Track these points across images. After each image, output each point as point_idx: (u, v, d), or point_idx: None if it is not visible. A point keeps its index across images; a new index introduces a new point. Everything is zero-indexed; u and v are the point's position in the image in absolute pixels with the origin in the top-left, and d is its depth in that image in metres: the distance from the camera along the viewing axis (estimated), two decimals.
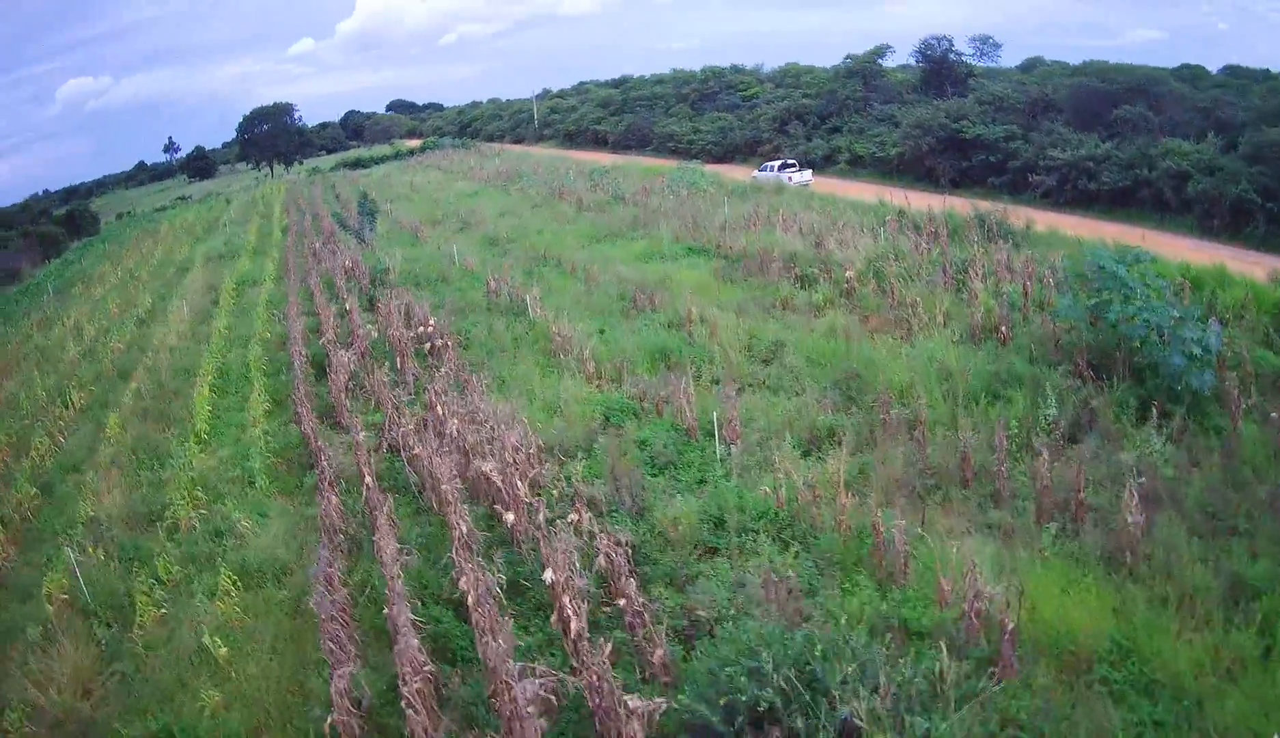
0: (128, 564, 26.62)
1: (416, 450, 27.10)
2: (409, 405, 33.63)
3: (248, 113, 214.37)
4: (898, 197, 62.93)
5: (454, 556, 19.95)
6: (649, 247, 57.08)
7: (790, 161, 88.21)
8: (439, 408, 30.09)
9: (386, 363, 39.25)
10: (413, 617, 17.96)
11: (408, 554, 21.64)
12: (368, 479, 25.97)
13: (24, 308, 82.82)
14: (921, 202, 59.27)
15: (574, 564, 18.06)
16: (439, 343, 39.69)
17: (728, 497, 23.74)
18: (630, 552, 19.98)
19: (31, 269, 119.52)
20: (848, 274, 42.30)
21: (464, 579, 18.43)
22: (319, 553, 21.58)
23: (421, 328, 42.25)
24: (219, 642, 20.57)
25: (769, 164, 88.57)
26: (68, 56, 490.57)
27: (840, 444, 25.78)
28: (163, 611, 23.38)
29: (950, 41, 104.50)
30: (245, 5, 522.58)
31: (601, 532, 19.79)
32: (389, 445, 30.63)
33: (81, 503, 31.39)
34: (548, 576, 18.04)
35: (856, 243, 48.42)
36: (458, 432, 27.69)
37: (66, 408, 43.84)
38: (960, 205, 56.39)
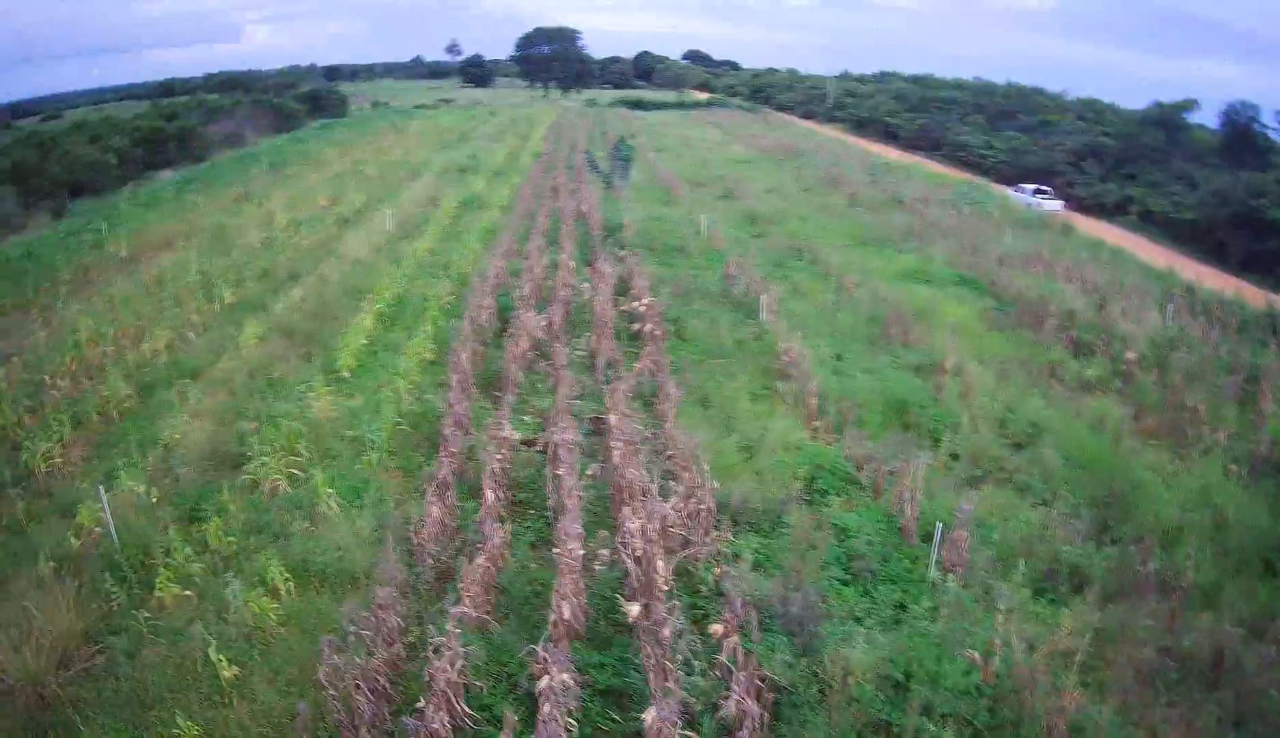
0: (180, 513, 23.20)
1: (561, 470, 21.78)
2: (584, 401, 29.09)
3: (529, 31, 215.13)
4: (1187, 267, 57.20)
5: (542, 650, 15.08)
6: (917, 264, 51.16)
7: (1044, 188, 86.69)
8: (613, 417, 24.83)
9: (583, 337, 34.89)
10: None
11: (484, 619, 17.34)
12: (488, 495, 20.97)
13: (227, 179, 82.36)
14: (1212, 279, 53.76)
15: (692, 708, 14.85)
16: (647, 328, 34.60)
17: (924, 651, 17.71)
18: (775, 702, 16.01)
19: (256, 138, 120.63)
20: (1129, 355, 35.23)
21: (544, 681, 14.68)
22: (375, 591, 17.31)
23: (636, 304, 37.31)
24: (225, 661, 17.24)
25: (1023, 186, 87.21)
26: None
27: (1083, 592, 20.22)
28: (187, 593, 19.95)
29: (1257, 110, 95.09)
30: None
31: (746, 666, 15.45)
32: (542, 447, 25.67)
33: (170, 421, 28.01)
34: (648, 718, 14.08)
35: (1141, 315, 42.12)
36: (619, 460, 22.39)
37: (210, 301, 40.98)
38: (1253, 294, 50.30)
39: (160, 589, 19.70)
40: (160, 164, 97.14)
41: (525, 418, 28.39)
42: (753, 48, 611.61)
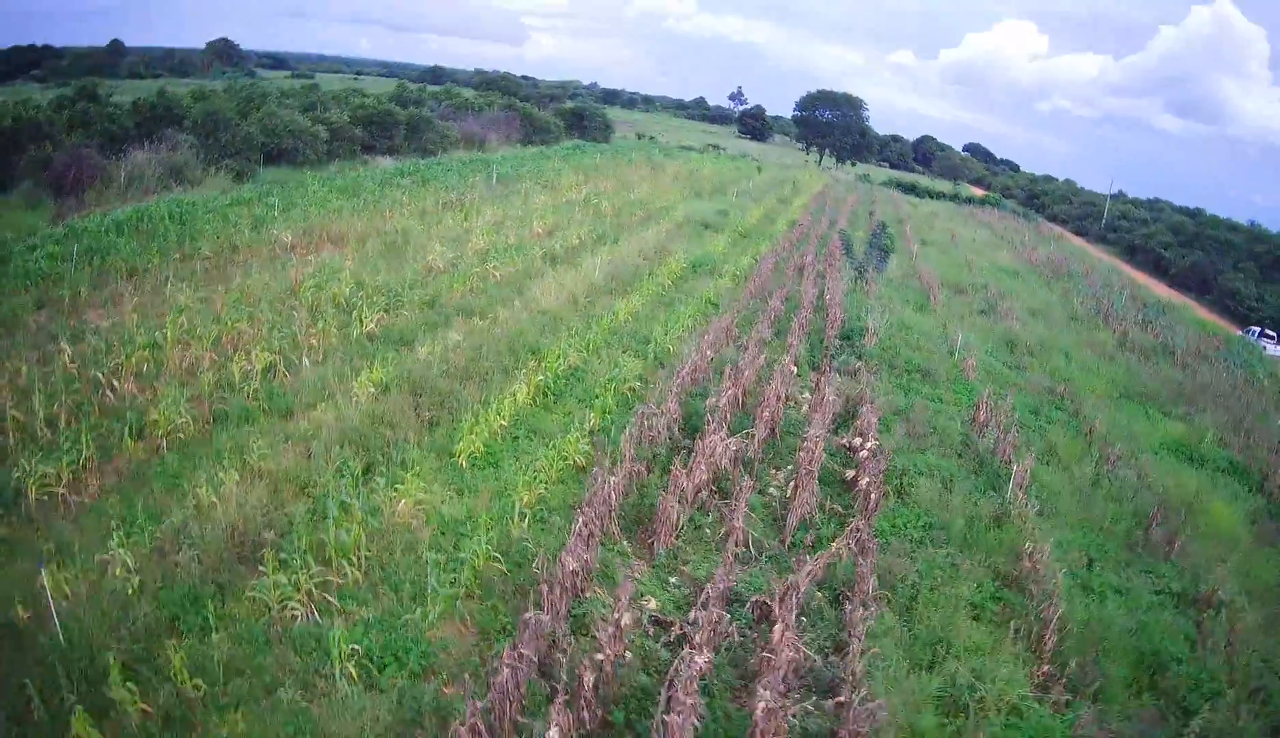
0: (156, 620, 18.32)
1: (682, 693, 15.22)
2: (756, 572, 22.92)
3: (813, 92, 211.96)
4: None
5: None
6: (1184, 436, 43.58)
7: (1270, 333, 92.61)
8: (777, 628, 18.25)
9: (781, 471, 28.94)
10: None
11: None
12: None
13: (447, 181, 78.83)
14: None
15: None
16: (863, 483, 27.61)
17: None
18: None
19: (499, 145, 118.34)
20: None
21: None
22: None
23: (857, 441, 30.61)
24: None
25: (1253, 328, 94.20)
26: None
27: None
28: None
29: None
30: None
31: None
32: (680, 631, 19.78)
33: (215, 473, 23.17)
34: None
35: None
36: (764, 707, 15.68)
37: (346, 325, 36.45)
38: None
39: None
40: (381, 149, 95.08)
41: (671, 580, 22.33)
42: (1032, 151, 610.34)
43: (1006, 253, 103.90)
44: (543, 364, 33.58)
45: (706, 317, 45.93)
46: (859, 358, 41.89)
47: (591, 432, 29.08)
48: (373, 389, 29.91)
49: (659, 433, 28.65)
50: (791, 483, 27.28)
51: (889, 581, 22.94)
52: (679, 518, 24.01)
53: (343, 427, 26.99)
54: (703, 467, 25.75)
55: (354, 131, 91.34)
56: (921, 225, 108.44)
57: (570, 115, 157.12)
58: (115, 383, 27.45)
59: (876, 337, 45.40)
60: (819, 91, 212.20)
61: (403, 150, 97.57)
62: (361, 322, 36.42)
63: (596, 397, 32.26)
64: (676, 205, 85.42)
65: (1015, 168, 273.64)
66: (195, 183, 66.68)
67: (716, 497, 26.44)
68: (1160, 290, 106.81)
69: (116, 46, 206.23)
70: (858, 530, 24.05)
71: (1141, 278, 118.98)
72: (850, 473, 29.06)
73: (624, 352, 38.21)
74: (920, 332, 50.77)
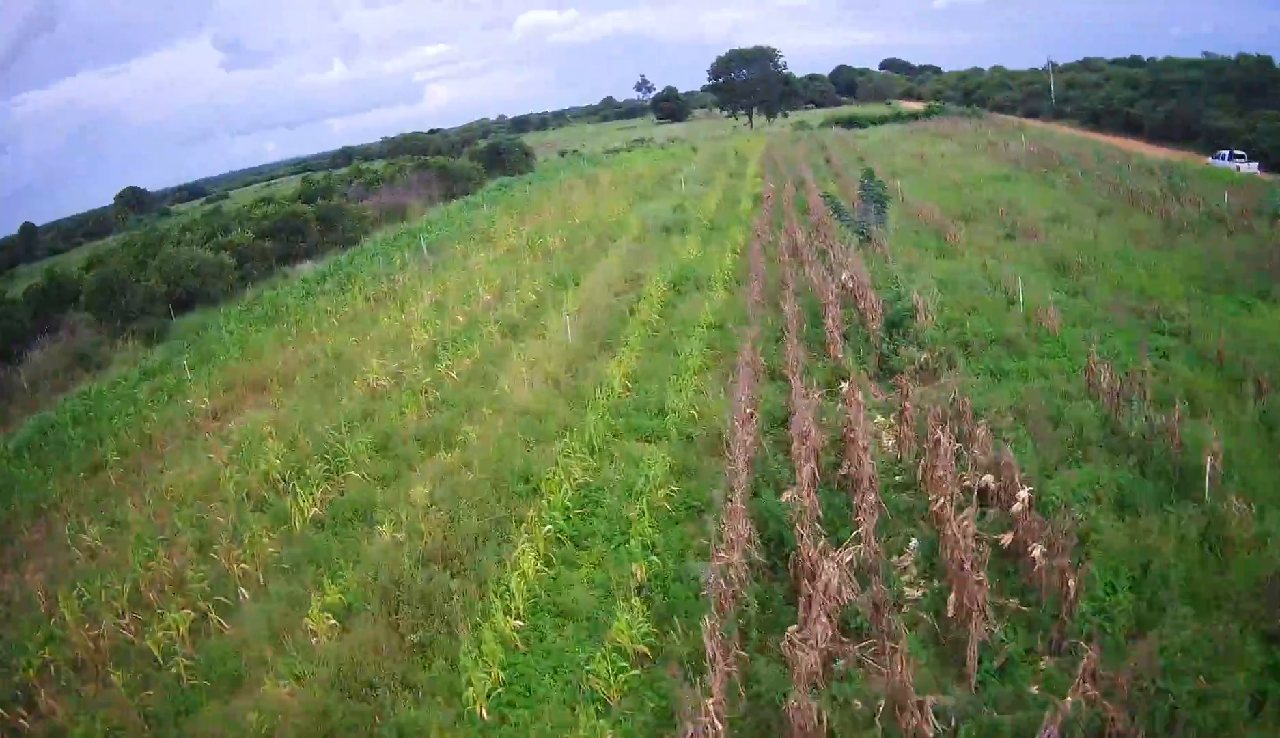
0: None
1: None
2: None
3: (723, 54, 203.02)
4: None
5: None
6: None
7: (1239, 153, 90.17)
8: None
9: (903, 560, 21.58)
10: None
11: None
12: None
13: (373, 269, 70.71)
14: None
15: None
16: (1035, 552, 18.98)
17: None
18: None
19: (423, 208, 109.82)
20: None
21: None
22: None
23: (988, 477, 22.10)
24: None
25: (1221, 153, 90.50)
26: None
27: None
28: None
29: None
30: None
31: None
32: None
33: None
34: None
35: None
36: None
37: (282, 518, 28.18)
38: None
39: None
40: (298, 255, 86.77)
41: None
42: (947, 51, 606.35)
43: (984, 158, 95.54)
44: (543, 500, 25.27)
45: (718, 351, 37.73)
46: (921, 346, 33.43)
47: (641, 590, 20.87)
48: (332, 621, 21.39)
49: (738, 576, 19.74)
50: (953, 597, 18.43)
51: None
52: (817, 718, 15.43)
53: (306, 711, 18.63)
54: (822, 619, 17.16)
55: (263, 246, 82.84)
56: (884, 157, 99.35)
57: (487, 154, 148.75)
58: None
59: (930, 314, 36.66)
60: (730, 52, 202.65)
61: (321, 249, 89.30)
62: (301, 510, 27.78)
63: (629, 526, 23.78)
64: (627, 216, 77.09)
65: (938, 70, 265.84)
66: (103, 364, 59.22)
67: (848, 642, 17.96)
68: (1154, 153, 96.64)
69: (28, 229, 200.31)
70: (1089, 667, 15.19)
71: (1122, 143, 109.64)
72: (1006, 538, 20.22)
73: (639, 438, 29.98)
74: (964, 284, 42.12)
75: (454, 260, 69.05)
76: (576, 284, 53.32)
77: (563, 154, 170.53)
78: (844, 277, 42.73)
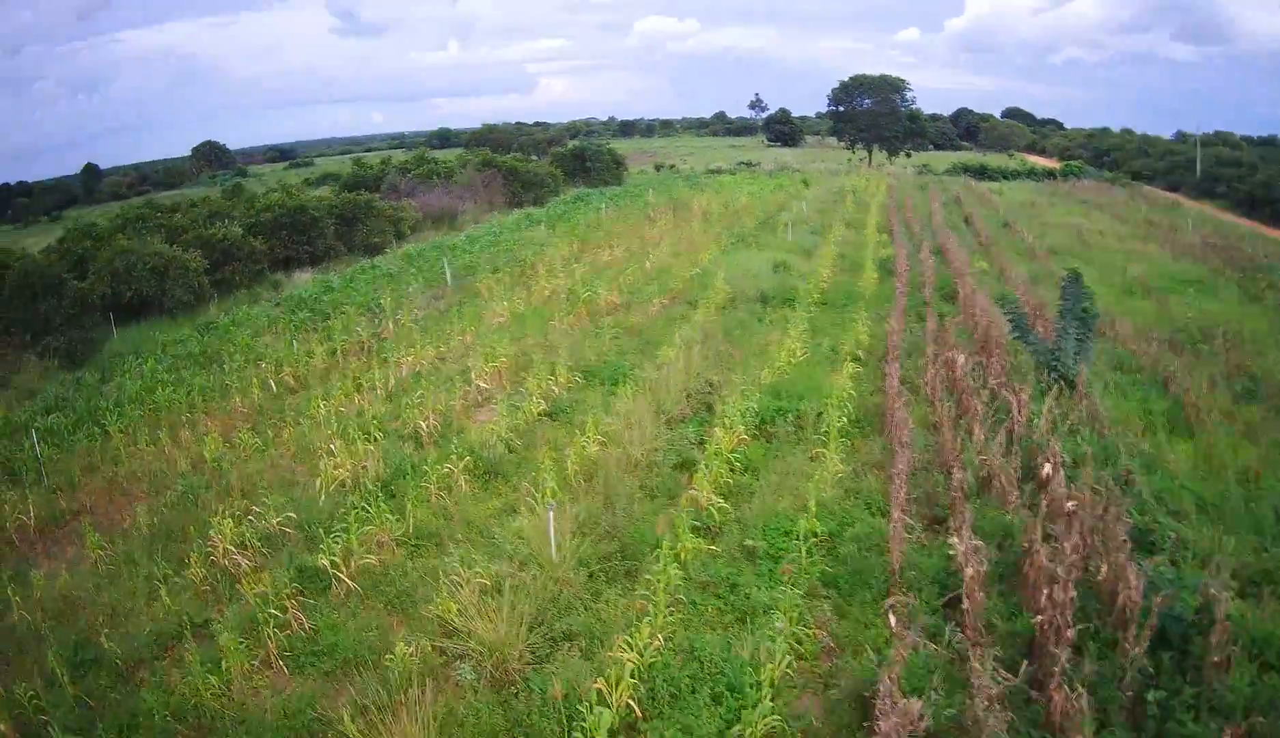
0: None
1: None
2: None
3: (845, 80, 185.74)
4: None
5: None
6: None
7: None
8: None
9: None
10: None
11: None
12: None
13: (368, 297, 55.03)
14: None
15: None
16: None
17: None
18: None
19: (478, 215, 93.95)
20: None
21: None
22: None
23: None
24: None
25: None
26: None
27: None
28: None
29: None
30: None
31: None
32: None
33: None
34: None
35: None
36: None
37: None
38: None
39: None
40: (303, 260, 70.28)
41: None
42: (1053, 106, 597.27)
43: (1154, 246, 73.45)
44: None
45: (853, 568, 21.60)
46: (1226, 715, 15.27)
47: None
48: None
49: None
50: None
51: None
52: None
53: None
54: None
55: (252, 245, 66.06)
56: (1029, 223, 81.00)
57: (570, 159, 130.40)
58: None
59: (1221, 606, 17.98)
60: (852, 78, 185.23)
61: (335, 254, 73.21)
62: None
63: None
64: (714, 268, 57.29)
65: (1060, 125, 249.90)
66: None
67: None
68: None
69: (90, 170, 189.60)
70: None
71: None
72: None
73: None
74: (1232, 512, 23.21)
75: (469, 304, 52.31)
76: (616, 387, 35.04)
77: (659, 168, 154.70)
78: (1051, 481, 23.98)
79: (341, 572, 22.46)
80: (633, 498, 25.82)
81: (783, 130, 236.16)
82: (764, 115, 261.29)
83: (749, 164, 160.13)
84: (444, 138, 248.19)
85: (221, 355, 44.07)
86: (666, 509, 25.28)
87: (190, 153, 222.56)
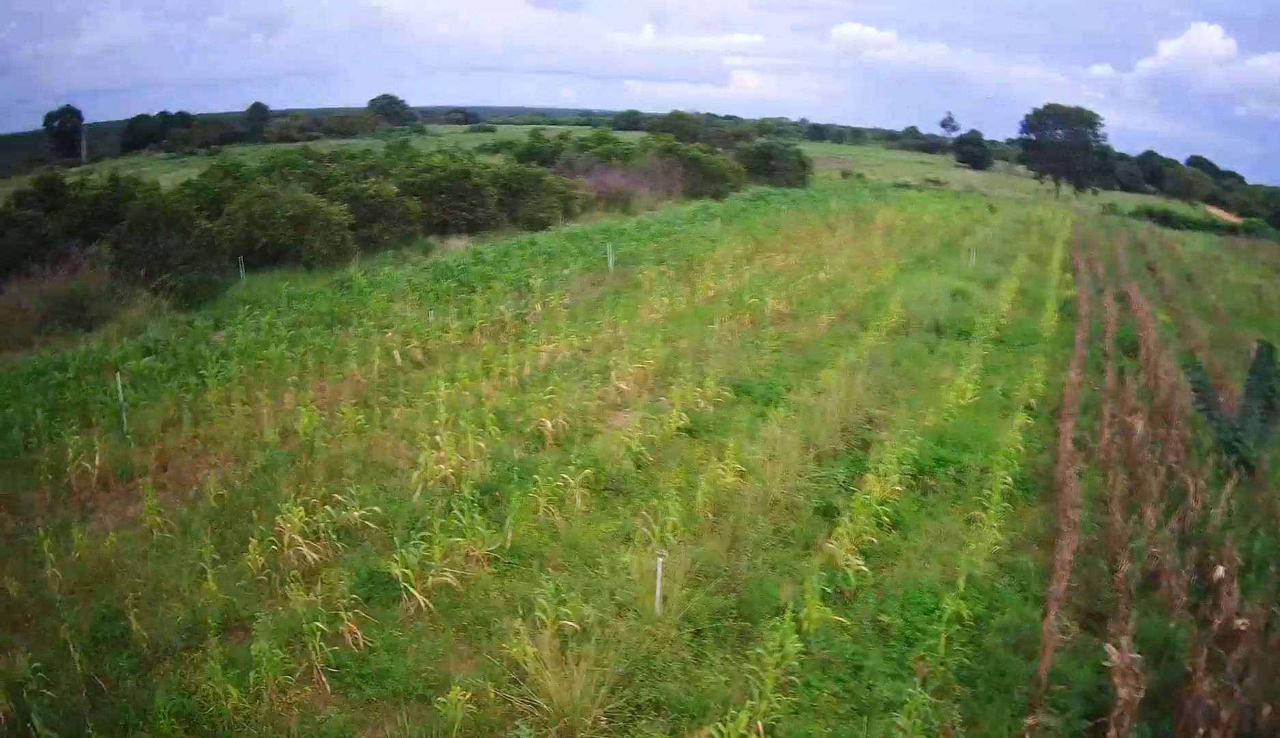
0: None
1: None
2: None
3: (1039, 107, 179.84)
4: None
5: None
6: None
7: None
8: None
9: None
10: None
11: None
12: None
13: (517, 279, 51.38)
14: None
15: None
16: None
17: None
18: None
19: (654, 202, 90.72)
20: None
21: None
22: None
23: None
24: None
25: None
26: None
27: None
28: None
29: None
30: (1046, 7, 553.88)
31: None
32: None
33: None
34: None
35: None
36: None
37: None
38: None
39: None
40: (461, 226, 67.98)
41: None
42: (1231, 158, 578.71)
43: None
44: None
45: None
46: None
47: None
48: None
49: None
50: None
51: None
52: None
53: None
54: None
55: (405, 205, 63.79)
56: (1214, 281, 74.83)
57: (755, 157, 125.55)
58: None
59: None
60: (1046, 107, 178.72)
61: (496, 224, 70.40)
62: None
63: None
64: (890, 288, 54.13)
65: (1241, 179, 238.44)
66: (95, 321, 42.99)
67: None
68: None
69: (258, 110, 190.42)
70: None
71: None
72: None
73: None
74: None
75: (627, 295, 48.86)
76: (767, 408, 31.31)
77: (846, 175, 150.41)
78: (1223, 587, 20.16)
79: (414, 586, 19.45)
80: (763, 544, 22.46)
81: (972, 152, 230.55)
82: (954, 135, 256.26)
83: (936, 182, 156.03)
84: (632, 120, 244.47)
85: (350, 317, 41.66)
86: (798, 562, 21.88)
87: (367, 104, 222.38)
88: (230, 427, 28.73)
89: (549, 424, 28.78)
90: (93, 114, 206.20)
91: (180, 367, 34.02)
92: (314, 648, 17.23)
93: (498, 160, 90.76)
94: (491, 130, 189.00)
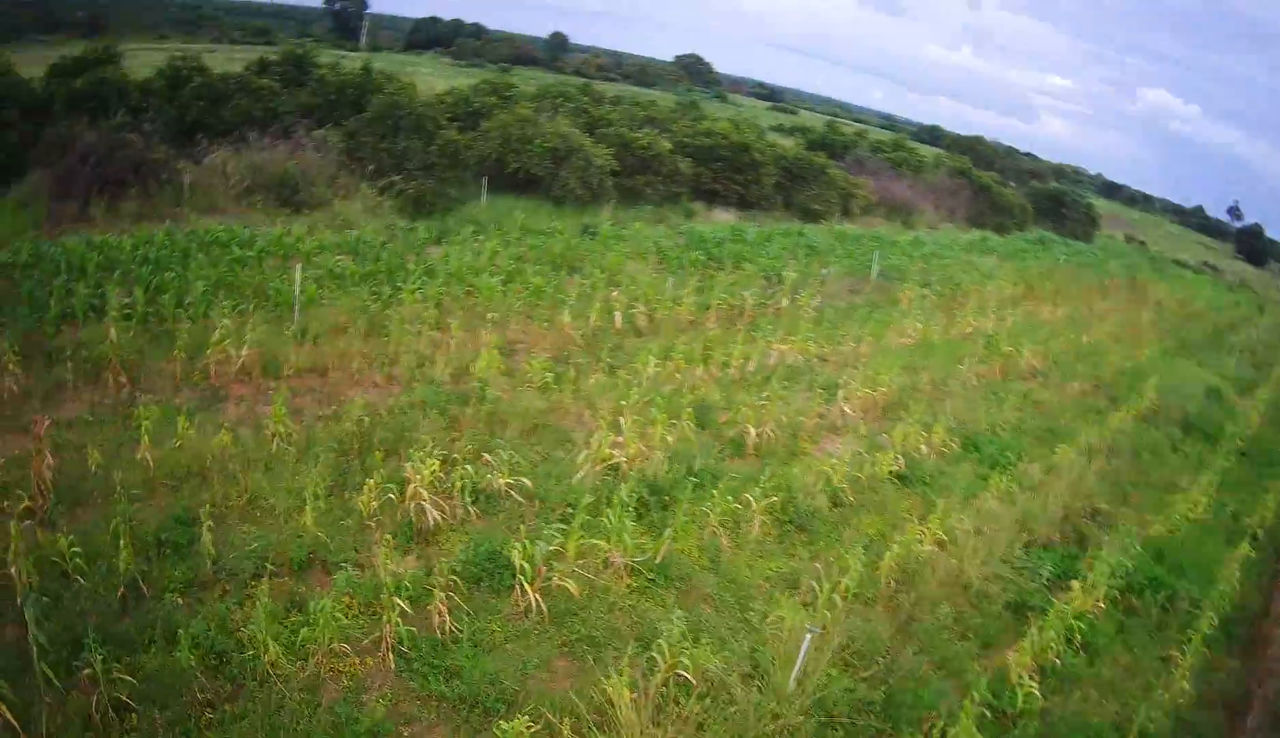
0: None
1: None
2: None
3: None
4: None
5: None
6: None
7: None
8: None
9: None
10: None
11: None
12: None
13: (775, 266, 48.41)
14: None
15: None
16: None
17: None
18: None
19: (936, 221, 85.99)
20: None
21: None
22: None
23: None
24: None
25: None
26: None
27: None
28: None
29: None
30: None
31: None
32: None
33: None
34: None
35: None
36: None
37: None
38: None
39: None
40: (731, 199, 65.28)
41: None
42: None
43: None
44: None
45: None
46: None
47: None
48: None
49: None
50: None
51: None
52: None
53: None
54: None
55: (677, 165, 60.74)
56: None
57: (1046, 199, 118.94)
58: None
59: None
60: None
61: (768, 206, 66.94)
62: None
63: None
64: (1148, 369, 48.44)
65: None
66: (312, 205, 42.60)
67: None
68: None
69: (558, 39, 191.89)
70: None
71: None
72: None
73: None
74: None
75: (881, 310, 45.09)
76: (992, 471, 27.50)
77: (1129, 239, 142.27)
78: None
79: (532, 581, 16.68)
80: (938, 634, 19.18)
81: (1252, 245, 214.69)
82: (1238, 225, 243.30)
83: (1212, 267, 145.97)
84: (934, 135, 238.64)
85: (582, 265, 39.54)
86: (970, 663, 18.58)
87: (673, 60, 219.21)
88: (403, 348, 26.79)
89: (753, 432, 25.86)
90: (380, 5, 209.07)
91: (377, 272, 32.48)
92: (390, 621, 14.88)
93: (787, 143, 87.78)
94: (793, 112, 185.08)
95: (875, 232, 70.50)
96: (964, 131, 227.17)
